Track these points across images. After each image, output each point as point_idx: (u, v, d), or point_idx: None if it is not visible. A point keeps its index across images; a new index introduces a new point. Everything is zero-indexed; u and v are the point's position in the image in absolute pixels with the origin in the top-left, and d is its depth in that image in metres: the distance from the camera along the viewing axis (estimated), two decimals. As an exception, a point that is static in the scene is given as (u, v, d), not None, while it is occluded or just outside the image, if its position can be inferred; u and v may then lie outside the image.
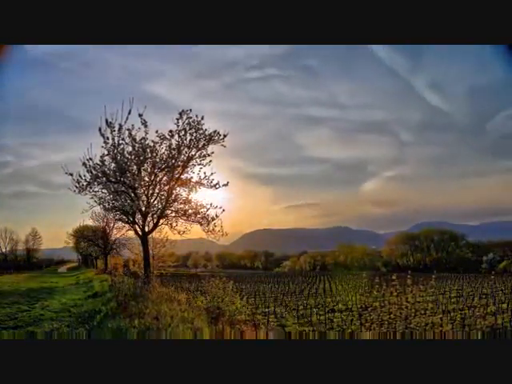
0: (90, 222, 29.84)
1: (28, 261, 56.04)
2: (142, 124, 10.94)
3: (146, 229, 12.41)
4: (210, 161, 11.87)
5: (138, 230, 12.52)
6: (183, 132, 11.30)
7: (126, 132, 10.97)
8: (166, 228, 13.14)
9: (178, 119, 11.22)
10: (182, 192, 12.32)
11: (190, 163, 11.86)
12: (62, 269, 51.80)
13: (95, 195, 11.98)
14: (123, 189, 11.71)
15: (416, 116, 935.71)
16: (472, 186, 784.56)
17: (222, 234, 12.22)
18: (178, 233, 12.59)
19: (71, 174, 11.19)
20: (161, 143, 11.45)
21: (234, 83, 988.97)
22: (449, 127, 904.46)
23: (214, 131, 11.54)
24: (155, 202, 12.14)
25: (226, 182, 12.12)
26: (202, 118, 11.36)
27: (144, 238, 12.54)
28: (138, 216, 12.36)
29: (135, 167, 11.46)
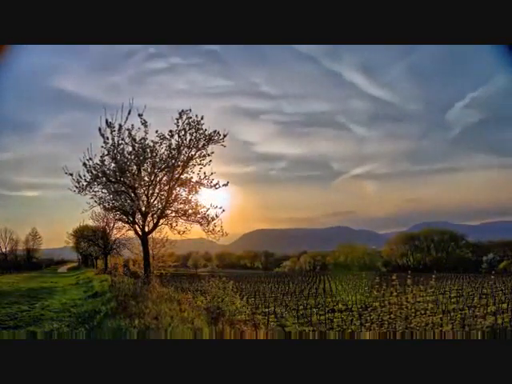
0: (89, 222, 29.86)
1: (28, 261, 56.00)
2: (142, 124, 10.95)
3: (146, 229, 12.41)
4: (210, 161, 11.88)
5: (138, 229, 12.51)
6: (183, 132, 11.31)
7: (126, 132, 10.98)
8: (166, 228, 13.15)
9: (177, 119, 11.23)
10: (182, 192, 12.32)
11: (190, 163, 11.86)
12: (62, 269, 51.71)
13: (95, 195, 11.97)
14: (123, 189, 11.71)
15: (359, 106, 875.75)
16: (451, 183, 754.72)
17: (222, 234, 12.22)
18: (178, 233, 12.58)
19: (71, 174, 11.20)
20: (161, 143, 11.45)
21: (140, 76, 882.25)
22: (403, 118, 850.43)
23: (214, 131, 11.55)
24: (155, 202, 12.13)
25: (226, 182, 12.13)
26: (202, 118, 11.37)
27: (144, 237, 12.54)
28: (138, 216, 12.35)
29: (135, 167, 11.45)
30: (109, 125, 10.80)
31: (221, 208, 12.06)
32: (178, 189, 12.21)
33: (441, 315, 10.47)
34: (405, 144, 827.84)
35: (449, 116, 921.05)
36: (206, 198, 12.25)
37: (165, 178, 11.97)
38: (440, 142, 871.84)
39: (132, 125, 10.91)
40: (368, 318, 9.04)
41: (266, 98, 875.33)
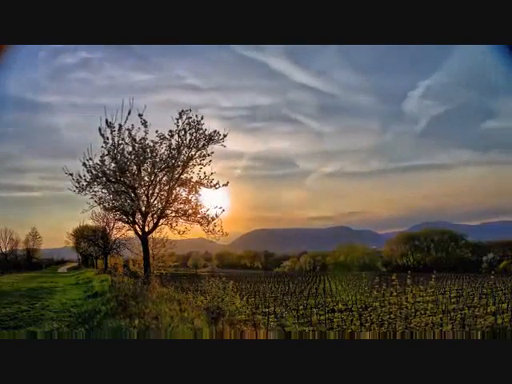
0: (89, 222, 29.87)
1: (28, 261, 55.99)
2: (142, 124, 10.96)
3: (146, 229, 12.42)
4: (210, 161, 11.92)
5: (138, 229, 12.52)
6: (183, 132, 11.33)
7: (126, 132, 11.00)
8: (166, 228, 13.17)
9: (177, 119, 11.25)
10: (182, 192, 12.34)
11: (190, 163, 11.88)
12: (62, 269, 51.67)
13: (95, 195, 11.98)
14: (123, 189, 11.72)
15: (301, 99, 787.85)
16: (436, 182, 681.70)
17: (222, 234, 12.24)
18: (178, 233, 12.60)
19: (71, 174, 11.20)
20: (161, 143, 11.48)
21: (56, 72, 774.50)
22: (355, 111, 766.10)
23: (214, 131, 11.58)
24: (155, 202, 12.14)
25: (226, 182, 12.15)
26: (202, 118, 11.39)
27: (144, 237, 12.55)
28: (138, 216, 12.36)
29: (135, 167, 11.47)
30: (109, 125, 10.81)
31: (221, 208, 12.10)
32: (178, 189, 12.24)
33: (441, 315, 10.46)
34: (368, 139, 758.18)
35: (406, 107, 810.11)
36: (206, 199, 12.29)
37: (165, 178, 11.98)
38: (407, 136, 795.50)
39: (132, 125, 10.95)
40: (368, 318, 9.04)
41: (198, 92, 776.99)
